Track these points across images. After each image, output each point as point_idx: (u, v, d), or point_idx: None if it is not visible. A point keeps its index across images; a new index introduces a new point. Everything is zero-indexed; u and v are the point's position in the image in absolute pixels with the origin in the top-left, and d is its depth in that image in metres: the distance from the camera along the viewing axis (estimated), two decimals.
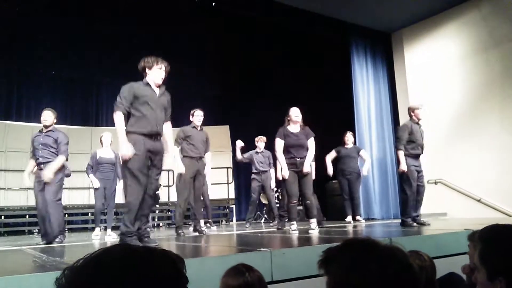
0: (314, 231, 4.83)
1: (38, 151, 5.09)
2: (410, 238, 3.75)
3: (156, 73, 3.85)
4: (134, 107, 3.72)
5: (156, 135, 3.80)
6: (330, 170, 7.22)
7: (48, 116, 5.24)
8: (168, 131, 4.03)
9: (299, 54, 10.06)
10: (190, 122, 5.93)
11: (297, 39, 9.56)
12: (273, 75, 10.80)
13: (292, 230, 4.87)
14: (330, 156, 7.30)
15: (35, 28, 8.73)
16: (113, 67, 10.02)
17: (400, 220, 5.68)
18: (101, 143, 6.56)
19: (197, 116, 5.86)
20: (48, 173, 4.82)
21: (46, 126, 5.23)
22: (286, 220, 5.84)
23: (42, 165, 5.08)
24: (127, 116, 3.77)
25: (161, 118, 3.85)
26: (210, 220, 7.61)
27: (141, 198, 3.59)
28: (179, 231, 5.46)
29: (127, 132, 3.68)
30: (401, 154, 5.35)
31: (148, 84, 3.84)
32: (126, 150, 3.53)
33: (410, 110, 5.67)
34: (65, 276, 0.68)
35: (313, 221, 5.02)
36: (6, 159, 9.30)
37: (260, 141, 7.82)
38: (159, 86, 3.91)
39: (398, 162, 5.56)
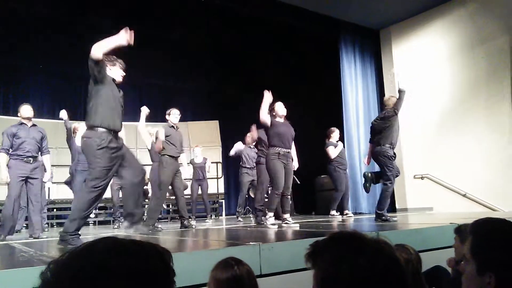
0: (295, 225, 4.86)
1: (26, 144, 5.05)
2: (396, 232, 3.79)
3: (118, 71, 3.81)
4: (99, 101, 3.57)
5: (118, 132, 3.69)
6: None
7: (31, 110, 5.27)
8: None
9: (288, 50, 10.06)
10: (181, 116, 5.97)
11: (286, 35, 9.56)
12: (262, 71, 10.80)
13: (271, 224, 4.77)
14: (334, 152, 7.20)
15: (23, 21, 8.61)
16: None
17: (374, 215, 5.50)
18: (74, 134, 6.28)
19: (174, 115, 5.82)
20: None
21: (29, 119, 5.23)
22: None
23: (31, 159, 5.04)
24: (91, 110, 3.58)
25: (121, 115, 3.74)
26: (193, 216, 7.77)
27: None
28: (153, 226, 5.39)
29: (92, 126, 3.51)
30: None
31: (113, 80, 3.76)
32: None
33: (387, 101, 5.68)
34: (50, 269, 0.67)
35: (288, 215, 5.04)
36: None
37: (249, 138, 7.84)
38: (118, 84, 3.82)
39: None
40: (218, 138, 11.38)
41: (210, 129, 11.39)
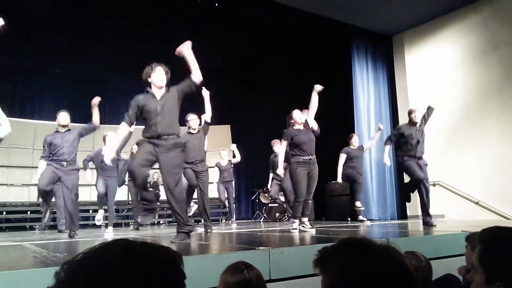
0: (312, 229, 4.92)
1: (61, 150, 5.26)
2: (407, 239, 3.77)
3: (155, 77, 3.93)
4: (142, 117, 3.91)
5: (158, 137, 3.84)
6: (340, 177, 7.36)
7: (67, 117, 5.53)
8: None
9: (300, 55, 10.07)
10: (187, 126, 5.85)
11: (298, 40, 9.57)
12: (274, 75, 10.83)
13: (293, 229, 4.96)
14: (341, 161, 7.34)
15: (40, 25, 8.75)
16: (118, 65, 10.06)
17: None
18: (104, 142, 6.56)
19: (192, 120, 5.78)
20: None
21: (64, 126, 5.47)
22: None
23: (65, 163, 5.25)
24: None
25: (168, 119, 3.86)
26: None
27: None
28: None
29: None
30: (386, 147, 5.95)
31: (148, 92, 3.94)
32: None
33: (407, 114, 5.85)
34: (64, 270, 0.69)
35: (306, 219, 5.09)
36: (8, 156, 9.34)
37: (277, 144, 7.95)
38: (161, 88, 3.93)
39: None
40: (229, 143, 11.39)
41: (221, 133, 11.43)
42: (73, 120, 10.46)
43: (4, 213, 8.95)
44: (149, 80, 3.94)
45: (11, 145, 9.37)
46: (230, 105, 12.32)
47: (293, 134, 5.09)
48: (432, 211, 7.91)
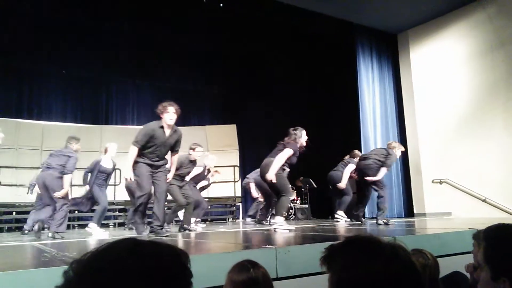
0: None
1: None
2: (414, 237, 3.76)
3: (167, 116, 4.50)
4: (146, 146, 4.51)
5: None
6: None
7: None
8: (174, 161, 5.00)
9: (305, 54, 10.06)
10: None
11: (303, 39, 9.57)
12: (279, 75, 10.83)
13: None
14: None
15: (46, 27, 8.83)
16: (122, 66, 10.12)
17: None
18: (105, 152, 6.63)
19: (198, 152, 6.24)
20: None
21: None
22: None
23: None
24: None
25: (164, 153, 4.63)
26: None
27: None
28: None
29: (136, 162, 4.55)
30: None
31: (161, 127, 4.54)
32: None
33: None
34: (73, 268, 0.70)
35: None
36: (17, 157, 9.42)
37: None
38: (170, 127, 4.56)
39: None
40: (235, 142, 11.40)
41: (227, 132, 11.43)
42: (79, 120, 10.66)
43: (14, 213, 9.04)
44: (162, 115, 4.49)
45: (19, 147, 9.46)
46: (236, 105, 12.33)
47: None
48: (439, 208, 7.94)
